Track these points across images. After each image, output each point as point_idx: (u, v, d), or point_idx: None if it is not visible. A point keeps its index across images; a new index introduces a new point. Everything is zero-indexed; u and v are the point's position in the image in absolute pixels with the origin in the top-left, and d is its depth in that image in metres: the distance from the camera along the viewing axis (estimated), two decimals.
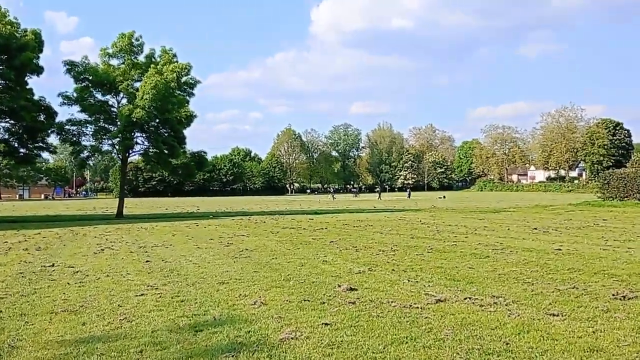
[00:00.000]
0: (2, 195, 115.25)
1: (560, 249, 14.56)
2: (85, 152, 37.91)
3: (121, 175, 41.01)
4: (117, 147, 37.95)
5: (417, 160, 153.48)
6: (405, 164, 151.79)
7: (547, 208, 38.64)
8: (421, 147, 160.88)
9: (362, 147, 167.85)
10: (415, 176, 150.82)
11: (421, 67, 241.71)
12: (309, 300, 8.24)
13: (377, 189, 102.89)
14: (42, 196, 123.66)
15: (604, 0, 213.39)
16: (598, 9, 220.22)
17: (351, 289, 8.91)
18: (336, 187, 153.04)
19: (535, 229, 21.98)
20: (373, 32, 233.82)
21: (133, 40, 36.85)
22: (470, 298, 8.17)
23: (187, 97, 38.55)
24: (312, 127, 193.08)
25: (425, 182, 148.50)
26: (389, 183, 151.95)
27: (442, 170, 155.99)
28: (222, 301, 8.41)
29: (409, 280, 9.90)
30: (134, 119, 33.92)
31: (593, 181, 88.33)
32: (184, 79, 37.21)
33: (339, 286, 9.15)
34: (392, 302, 8.05)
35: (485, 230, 21.57)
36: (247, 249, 15.41)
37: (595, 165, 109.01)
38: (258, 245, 16.65)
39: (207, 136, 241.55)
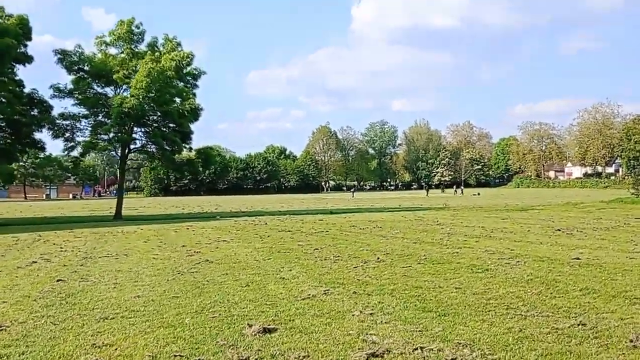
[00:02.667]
0: (28, 195, 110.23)
1: (579, 258, 11.78)
2: (79, 148, 34.28)
3: (120, 174, 37.62)
4: (112, 142, 34.86)
5: (454, 157, 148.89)
6: (442, 161, 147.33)
7: (577, 206, 35.28)
8: (458, 144, 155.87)
9: (399, 144, 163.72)
10: (452, 173, 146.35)
11: (462, 64, 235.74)
12: (181, 356, 5.71)
13: (425, 186, 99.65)
14: (70, 195, 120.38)
15: None
16: (637, 7, 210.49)
17: (265, 331, 6.31)
18: (352, 183, 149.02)
19: (559, 230, 19.12)
20: (415, 28, 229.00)
21: (133, 28, 33.58)
22: (422, 349, 5.56)
23: (191, 89, 35.49)
24: (348, 125, 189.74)
25: (462, 179, 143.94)
26: (426, 180, 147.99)
27: (479, 167, 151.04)
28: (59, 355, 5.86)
29: (361, 312, 7.31)
30: (126, 109, 30.70)
31: (629, 177, 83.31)
32: (187, 69, 34.31)
33: (250, 326, 6.53)
34: (306, 357, 5.52)
35: (502, 232, 18.75)
36: (207, 260, 12.89)
37: (632, 161, 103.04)
38: (227, 255, 14.12)
39: (247, 135, 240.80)
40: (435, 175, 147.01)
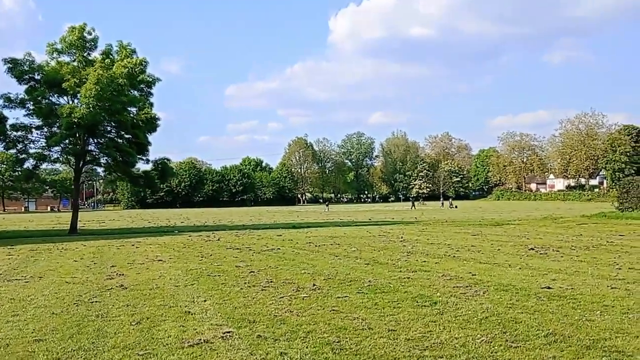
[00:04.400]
0: (6, 208, 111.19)
1: (549, 287, 10.17)
2: (31, 160, 32.23)
3: (74, 188, 35.84)
4: (63, 154, 33.13)
5: (433, 169, 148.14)
6: (420, 173, 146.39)
7: (556, 220, 33.89)
8: (437, 156, 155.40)
9: (376, 156, 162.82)
10: (430, 185, 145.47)
11: (441, 75, 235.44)
12: None
13: (411, 199, 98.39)
14: (48, 208, 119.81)
15: (627, 7, 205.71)
16: (621, 16, 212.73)
17: None
18: (329, 196, 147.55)
19: (532, 248, 17.57)
20: (392, 40, 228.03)
21: (85, 34, 31.86)
22: None
23: (147, 98, 33.92)
24: (325, 137, 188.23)
25: (441, 191, 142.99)
26: (404, 192, 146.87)
27: (459, 179, 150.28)
28: None
29: None
30: (75, 119, 28.98)
31: (614, 190, 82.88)
32: (140, 77, 32.55)
33: None
34: None
35: (468, 251, 17.14)
36: (122, 286, 11.27)
37: (617, 173, 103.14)
38: (150, 278, 12.39)
39: (228, 148, 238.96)
40: (413, 187, 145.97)
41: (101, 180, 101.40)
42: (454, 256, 15.92)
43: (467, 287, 10.35)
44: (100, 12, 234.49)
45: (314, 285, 10.81)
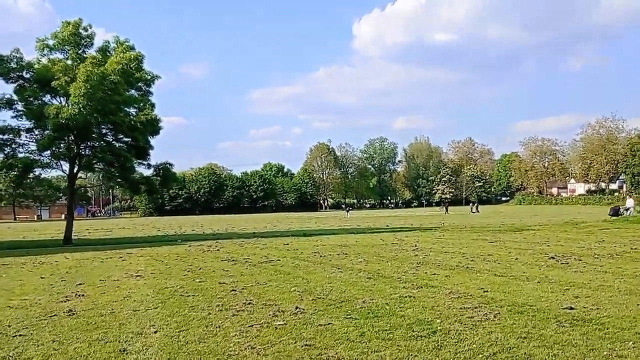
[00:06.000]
0: (18, 216, 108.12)
1: (572, 308, 8.47)
2: (20, 165, 28.59)
3: (68, 195, 33.07)
4: (53, 158, 30.20)
5: (455, 174, 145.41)
6: (443, 178, 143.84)
7: (578, 225, 31.78)
8: (460, 161, 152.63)
9: (399, 162, 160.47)
10: (453, 190, 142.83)
11: (466, 81, 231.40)
12: None
13: (444, 204, 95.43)
14: (62, 216, 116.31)
15: None
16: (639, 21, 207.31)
17: None
18: (351, 201, 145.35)
19: (553, 257, 15.75)
20: (417, 45, 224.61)
21: (80, 30, 29.18)
22: None
23: (146, 97, 31.35)
24: (347, 142, 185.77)
25: (464, 196, 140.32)
26: (427, 197, 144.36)
27: (481, 184, 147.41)
28: None
29: None
30: (63, 121, 26.36)
31: (633, 193, 79.77)
32: (137, 74, 29.82)
33: None
34: None
35: (484, 261, 15.38)
36: (69, 312, 9.46)
37: (637, 177, 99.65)
38: (113, 300, 10.71)
39: (251, 153, 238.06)
40: (436, 192, 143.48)
41: (96, 187, 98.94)
42: (468, 267, 14.19)
43: (475, 308, 8.67)
44: (121, 17, 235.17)
45: (296, 308, 9.18)
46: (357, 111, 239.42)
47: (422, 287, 11.11)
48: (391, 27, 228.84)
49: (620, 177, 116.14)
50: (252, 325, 8.00)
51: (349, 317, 8.42)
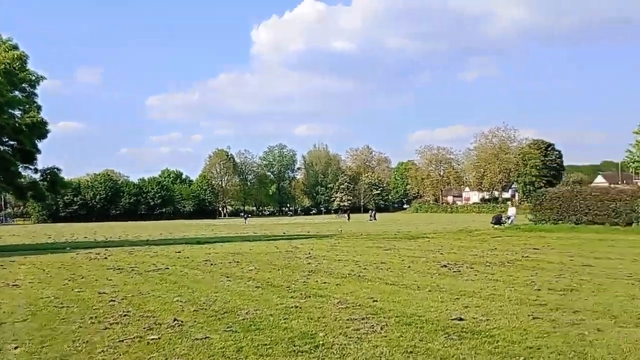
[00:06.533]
0: None
1: (461, 319, 8.27)
2: None
3: None
4: None
5: (354, 182, 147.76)
6: (341, 186, 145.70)
7: (471, 233, 32.72)
8: (358, 169, 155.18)
9: (298, 169, 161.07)
10: (351, 198, 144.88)
11: (364, 89, 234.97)
12: None
13: (347, 210, 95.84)
14: None
15: (537, 29, 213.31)
16: (529, 37, 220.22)
17: None
18: (250, 209, 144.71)
19: (445, 265, 15.80)
20: (316, 53, 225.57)
21: None
22: None
23: (31, 99, 29.91)
24: (246, 149, 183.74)
25: (362, 203, 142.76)
26: (325, 205, 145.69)
27: (379, 191, 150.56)
28: None
29: None
30: None
31: (525, 202, 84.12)
32: (21, 74, 28.56)
33: None
34: None
35: (377, 269, 15.22)
36: None
37: (528, 186, 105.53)
38: None
39: (151, 160, 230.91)
40: (334, 200, 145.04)
41: None
42: (360, 275, 13.94)
43: (363, 319, 8.31)
44: (9, 21, 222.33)
45: (175, 320, 8.49)
46: (258, 118, 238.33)
47: (310, 296, 10.68)
48: (290, 34, 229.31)
49: (513, 186, 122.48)
50: (123, 340, 7.31)
51: (229, 329, 7.84)
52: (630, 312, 8.68)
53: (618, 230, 29.93)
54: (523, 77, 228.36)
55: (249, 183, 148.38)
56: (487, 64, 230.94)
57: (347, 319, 8.34)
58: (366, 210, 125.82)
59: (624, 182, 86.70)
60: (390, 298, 10.32)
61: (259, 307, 9.53)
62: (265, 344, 6.97)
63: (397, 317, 8.49)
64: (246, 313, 9.00)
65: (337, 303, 9.77)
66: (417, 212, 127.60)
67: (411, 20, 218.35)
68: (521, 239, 27.57)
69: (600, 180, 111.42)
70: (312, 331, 7.64)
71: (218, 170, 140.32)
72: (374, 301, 9.96)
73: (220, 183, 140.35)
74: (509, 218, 40.96)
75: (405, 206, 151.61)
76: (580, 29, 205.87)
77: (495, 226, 37.82)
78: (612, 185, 42.49)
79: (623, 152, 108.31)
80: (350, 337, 7.22)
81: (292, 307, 9.45)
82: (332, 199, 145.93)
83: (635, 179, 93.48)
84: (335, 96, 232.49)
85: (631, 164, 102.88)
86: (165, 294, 11.39)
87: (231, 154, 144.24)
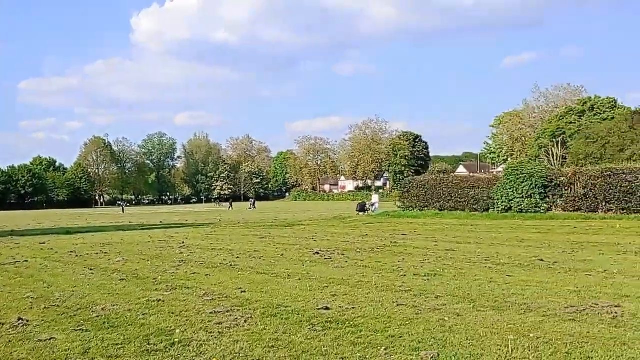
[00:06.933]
0: None
1: (328, 308, 7.97)
2: None
3: None
4: None
5: (234, 171, 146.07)
6: (222, 175, 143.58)
7: (344, 220, 33.11)
8: (238, 158, 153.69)
9: (178, 157, 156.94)
10: (232, 187, 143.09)
11: (246, 79, 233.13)
12: None
13: (230, 200, 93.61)
14: None
15: (406, 27, 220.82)
16: (399, 35, 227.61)
17: None
18: (129, 197, 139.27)
19: (318, 252, 15.62)
20: (198, 43, 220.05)
21: None
22: None
23: None
24: (124, 137, 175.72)
25: (242, 192, 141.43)
26: (206, 194, 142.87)
27: (259, 180, 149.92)
28: None
29: None
30: None
31: (396, 190, 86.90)
32: None
33: None
34: None
35: (249, 258, 14.76)
36: None
37: (398, 175, 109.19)
38: None
39: (23, 147, 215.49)
40: (215, 188, 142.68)
41: None
42: (232, 265, 13.39)
43: (228, 312, 7.80)
44: None
45: (19, 319, 7.54)
46: (138, 106, 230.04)
47: (176, 288, 10.02)
48: (171, 23, 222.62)
49: (385, 175, 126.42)
50: None
51: (79, 328, 7.06)
52: (488, 296, 8.80)
53: (477, 215, 31.41)
54: (394, 71, 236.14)
55: (127, 171, 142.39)
56: (362, 58, 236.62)
57: (211, 312, 7.80)
58: (247, 199, 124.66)
59: (482, 171, 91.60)
60: (259, 288, 9.88)
61: (118, 302, 8.75)
62: (117, 344, 6.28)
63: (263, 308, 8.06)
64: (102, 309, 8.20)
65: (203, 295, 9.19)
66: (295, 200, 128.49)
67: (290, 14, 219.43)
68: (391, 225, 28.15)
69: (462, 170, 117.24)
70: (170, 327, 7.02)
71: (95, 158, 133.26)
72: (241, 292, 9.48)
73: (97, 171, 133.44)
74: (372, 205, 41.76)
75: (281, 195, 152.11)
76: (444, 28, 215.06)
77: (360, 213, 38.48)
78: (471, 174, 44.52)
79: (482, 144, 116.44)
80: (210, 332, 6.69)
81: (154, 301, 8.75)
82: (212, 187, 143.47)
83: (491, 169, 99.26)
84: (216, 86, 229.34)
85: (488, 155, 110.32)
86: (17, 290, 10.29)
87: (109, 142, 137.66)
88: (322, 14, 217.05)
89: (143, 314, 7.83)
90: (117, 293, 9.70)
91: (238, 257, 14.99)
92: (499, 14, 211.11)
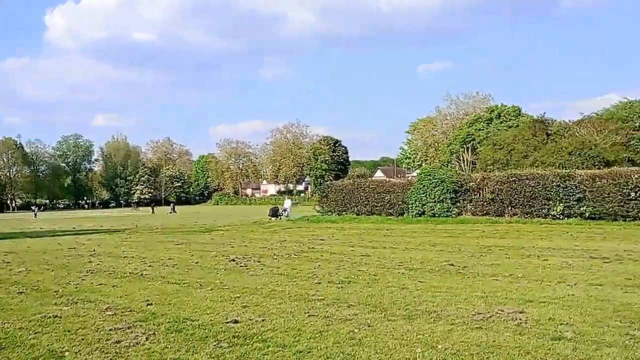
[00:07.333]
0: None
1: (237, 321, 7.55)
2: None
3: None
4: None
5: (154, 174, 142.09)
6: (142, 178, 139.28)
7: (264, 225, 32.60)
8: (159, 161, 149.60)
9: (95, 160, 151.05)
10: (152, 190, 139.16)
11: (167, 82, 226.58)
12: None
13: (153, 204, 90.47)
14: None
15: (325, 33, 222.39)
16: (321, 41, 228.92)
17: None
18: (43, 202, 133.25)
19: (234, 260, 15.10)
20: (116, 43, 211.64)
21: None
22: None
23: None
24: (38, 138, 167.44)
25: (163, 196, 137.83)
26: (125, 198, 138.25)
27: (180, 184, 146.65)
28: None
29: None
30: None
31: (316, 194, 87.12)
32: None
33: None
34: None
35: (162, 266, 14.07)
36: None
37: (319, 179, 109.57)
38: None
39: None
40: (134, 192, 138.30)
41: None
42: (142, 274, 12.68)
43: (129, 328, 7.22)
44: None
45: None
46: (53, 107, 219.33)
47: (77, 302, 9.29)
48: (87, 22, 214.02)
49: (306, 179, 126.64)
50: None
51: None
52: (399, 303, 8.62)
53: (392, 220, 31.69)
54: (314, 77, 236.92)
55: (40, 174, 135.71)
56: (283, 63, 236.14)
57: (111, 329, 7.19)
58: (167, 203, 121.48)
59: (399, 176, 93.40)
60: (167, 300, 9.30)
61: (10, 319, 7.98)
62: None
63: (169, 322, 7.53)
64: None
65: (106, 309, 8.52)
66: (217, 204, 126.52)
67: (210, 17, 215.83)
68: (309, 230, 27.90)
69: (379, 175, 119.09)
70: (62, 348, 6.39)
71: (5, 160, 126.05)
72: (148, 304, 8.88)
73: (7, 174, 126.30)
74: (285, 210, 41.44)
75: (202, 199, 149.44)
76: (363, 35, 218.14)
77: (272, 219, 38.10)
78: (387, 179, 45.07)
79: (398, 150, 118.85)
80: (106, 353, 6.11)
81: (50, 317, 8.03)
82: (132, 191, 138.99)
83: (407, 174, 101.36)
84: (136, 87, 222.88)
85: (404, 160, 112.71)
86: None
87: (20, 144, 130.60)
88: (243, 18, 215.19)
89: (35, 333, 7.13)
90: (11, 308, 8.88)
91: (150, 266, 14.26)
92: (414, 24, 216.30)
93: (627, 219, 25.41)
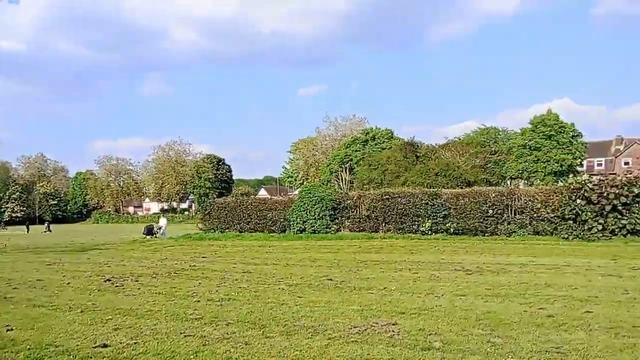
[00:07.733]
0: None
1: (107, 345, 7.02)
2: None
3: None
4: None
5: (27, 192, 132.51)
6: (13, 196, 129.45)
7: (145, 243, 31.22)
8: (31, 178, 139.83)
9: None
10: (25, 209, 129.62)
11: (37, 94, 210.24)
12: None
13: (27, 223, 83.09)
14: None
15: (208, 52, 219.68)
16: (204, 59, 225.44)
17: None
18: None
19: (110, 280, 14.21)
20: None
21: None
22: None
23: None
24: None
25: (37, 214, 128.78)
26: None
27: (56, 202, 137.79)
28: None
29: None
30: None
31: (200, 212, 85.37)
32: None
33: None
34: None
35: (28, 288, 12.93)
36: None
37: (203, 198, 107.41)
38: None
39: None
40: (5, 210, 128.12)
41: None
42: (6, 297, 11.58)
43: None
44: None
45: None
46: None
47: None
48: None
49: (190, 197, 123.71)
50: None
51: None
52: (278, 320, 8.44)
53: (275, 236, 31.53)
54: (196, 95, 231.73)
55: None
56: (164, 79, 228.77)
57: None
58: (42, 222, 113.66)
59: (281, 194, 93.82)
60: (30, 324, 8.49)
61: None
62: None
63: (29, 349, 6.84)
64: None
65: None
66: (97, 222, 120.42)
67: (84, 28, 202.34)
68: (192, 247, 27.05)
69: (263, 193, 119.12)
70: None
71: None
72: (8, 330, 8.06)
73: None
74: (160, 229, 40.13)
75: (81, 217, 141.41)
76: (246, 56, 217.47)
77: (147, 237, 36.83)
78: (270, 197, 45.02)
79: (281, 169, 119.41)
80: None
81: None
82: (2, 209, 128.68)
83: (289, 192, 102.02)
84: (3, 99, 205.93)
85: (286, 178, 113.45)
86: None
87: None
88: (123, 32, 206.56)
89: None
90: None
91: (16, 288, 13.08)
92: (293, 47, 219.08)
93: (486, 234, 27.26)
